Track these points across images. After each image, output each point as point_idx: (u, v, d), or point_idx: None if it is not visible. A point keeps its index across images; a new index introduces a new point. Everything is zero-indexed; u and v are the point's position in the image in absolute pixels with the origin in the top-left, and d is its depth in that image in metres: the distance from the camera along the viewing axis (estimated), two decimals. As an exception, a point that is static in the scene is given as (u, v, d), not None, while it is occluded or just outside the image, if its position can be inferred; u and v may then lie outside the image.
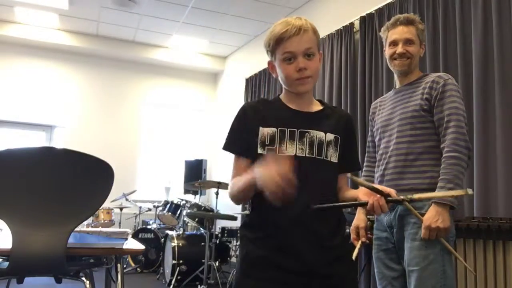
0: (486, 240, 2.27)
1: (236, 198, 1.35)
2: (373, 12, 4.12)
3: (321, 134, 1.34)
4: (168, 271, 4.69)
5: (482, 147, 2.94)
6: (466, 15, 3.20)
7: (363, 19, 4.24)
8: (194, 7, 5.66)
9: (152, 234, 5.56)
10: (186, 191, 6.54)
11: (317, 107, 1.42)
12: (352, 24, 4.46)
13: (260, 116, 1.35)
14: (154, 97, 7.49)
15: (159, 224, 5.95)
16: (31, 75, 6.75)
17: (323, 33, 4.90)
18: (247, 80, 6.62)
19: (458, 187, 1.68)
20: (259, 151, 1.32)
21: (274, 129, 1.32)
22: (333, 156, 1.35)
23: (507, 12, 2.92)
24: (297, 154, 1.30)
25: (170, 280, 4.49)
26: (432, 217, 1.67)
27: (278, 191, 1.10)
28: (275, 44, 1.33)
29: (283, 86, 1.39)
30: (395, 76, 2.04)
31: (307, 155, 1.31)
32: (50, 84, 6.85)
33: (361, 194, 1.26)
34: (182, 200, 5.45)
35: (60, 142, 6.72)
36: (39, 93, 6.76)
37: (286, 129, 1.32)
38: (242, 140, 1.36)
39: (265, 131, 1.32)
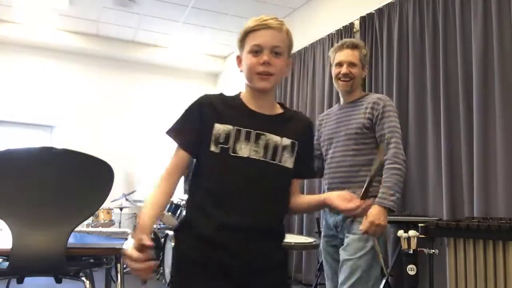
0: (486, 240, 2.27)
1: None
2: (373, 12, 4.12)
3: (277, 138, 1.30)
4: (168, 271, 4.69)
5: (482, 147, 2.94)
6: (466, 15, 3.20)
7: (363, 19, 4.24)
8: (194, 7, 5.66)
9: (152, 234, 5.54)
10: (186, 191, 6.53)
11: (277, 110, 1.38)
12: (352, 24, 4.46)
13: (216, 112, 1.30)
14: (154, 97, 7.48)
15: (159, 224, 5.95)
16: (31, 75, 6.75)
17: (323, 33, 4.90)
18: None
19: (397, 193, 1.95)
20: (212, 148, 1.26)
21: (230, 127, 1.27)
22: (287, 161, 1.31)
23: (507, 12, 2.92)
24: (250, 156, 1.26)
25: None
26: (375, 214, 1.90)
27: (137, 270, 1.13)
28: (245, 36, 1.31)
29: (246, 81, 1.35)
30: (340, 93, 2.27)
31: (261, 158, 1.27)
32: (50, 84, 6.84)
33: (334, 195, 1.28)
34: (182, 200, 5.45)
35: (60, 142, 6.71)
36: (39, 93, 6.75)
37: (242, 128, 1.27)
38: (190, 133, 1.30)
39: (220, 128, 1.27)
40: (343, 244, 2.05)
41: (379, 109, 2.08)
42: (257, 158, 1.27)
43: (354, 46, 2.17)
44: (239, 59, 1.37)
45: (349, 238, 2.01)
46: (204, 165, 1.29)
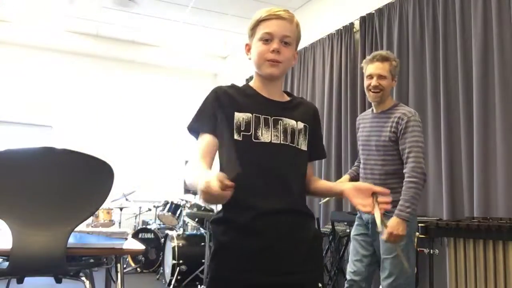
0: (486, 240, 2.27)
1: (190, 186, 1.26)
2: (373, 12, 4.11)
3: (293, 122, 1.35)
4: (168, 271, 4.69)
5: (482, 147, 2.94)
6: (466, 15, 3.20)
7: (363, 19, 4.24)
8: (194, 7, 5.66)
9: (152, 234, 5.56)
10: (186, 191, 6.53)
11: (285, 97, 1.43)
12: (352, 24, 4.46)
13: (234, 101, 1.34)
14: (153, 97, 7.48)
15: (159, 224, 5.95)
16: (31, 74, 6.75)
17: (323, 33, 4.90)
18: (247, 80, 6.63)
19: (413, 205, 2.20)
20: (235, 137, 1.29)
21: (249, 115, 1.31)
22: (303, 144, 1.37)
23: (507, 12, 2.92)
24: (272, 141, 1.30)
25: (170, 280, 4.49)
26: (394, 226, 2.16)
27: (210, 192, 1.01)
28: (257, 25, 1.35)
29: (255, 69, 1.38)
30: (372, 103, 2.47)
31: (281, 142, 1.31)
32: (50, 84, 6.84)
33: (351, 190, 1.29)
34: (182, 200, 5.45)
35: (59, 142, 6.71)
36: (38, 93, 6.76)
37: (260, 115, 1.32)
38: (212, 121, 1.32)
39: (240, 117, 1.31)
40: (369, 236, 2.37)
41: (402, 124, 2.28)
42: (278, 142, 1.31)
43: (384, 59, 2.36)
44: (248, 46, 1.41)
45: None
46: (229, 153, 1.30)
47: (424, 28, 3.55)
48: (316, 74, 4.98)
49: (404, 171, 2.25)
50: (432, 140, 3.37)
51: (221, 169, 1.27)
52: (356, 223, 2.49)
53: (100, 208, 5.03)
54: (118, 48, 6.96)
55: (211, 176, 1.02)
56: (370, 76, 2.38)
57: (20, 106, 6.63)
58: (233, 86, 1.40)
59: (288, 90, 5.51)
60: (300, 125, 1.37)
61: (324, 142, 1.61)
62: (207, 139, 1.31)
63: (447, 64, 3.31)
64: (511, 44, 2.89)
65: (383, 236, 2.18)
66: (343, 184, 1.38)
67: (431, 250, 2.69)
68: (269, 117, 1.33)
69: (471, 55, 3.11)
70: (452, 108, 3.25)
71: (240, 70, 6.75)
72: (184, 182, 1.31)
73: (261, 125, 1.31)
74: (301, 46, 5.27)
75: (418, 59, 3.59)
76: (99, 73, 7.15)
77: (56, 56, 6.88)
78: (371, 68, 2.38)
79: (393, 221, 2.17)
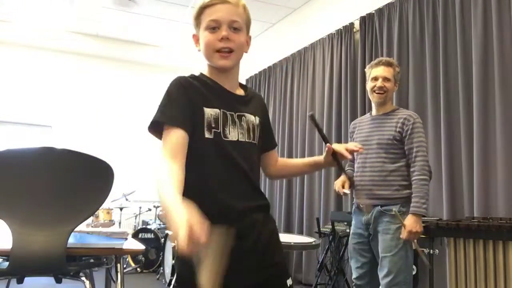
0: (486, 240, 2.27)
1: (161, 206, 1.20)
2: (373, 12, 4.12)
3: (252, 118, 1.30)
4: (168, 271, 4.69)
5: (482, 147, 2.94)
6: (466, 15, 3.20)
7: (363, 19, 4.24)
8: (194, 7, 5.65)
9: (152, 234, 5.56)
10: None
11: (239, 89, 1.35)
12: (352, 24, 4.46)
13: (202, 95, 1.23)
14: (153, 97, 7.47)
15: (159, 224, 5.95)
16: (30, 74, 6.74)
17: (323, 33, 4.90)
18: (247, 80, 6.63)
19: (427, 201, 2.29)
20: (206, 135, 1.20)
21: (217, 111, 1.23)
22: (258, 138, 1.32)
23: (507, 12, 2.92)
24: (239, 139, 1.25)
25: (170, 280, 4.49)
26: (412, 223, 2.23)
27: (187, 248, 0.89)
28: (201, 13, 1.26)
29: (206, 60, 1.29)
30: (373, 104, 2.55)
31: (246, 140, 1.27)
32: (50, 84, 6.84)
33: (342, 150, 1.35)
34: (182, 200, 5.44)
35: (60, 142, 6.71)
36: (38, 93, 6.75)
37: (227, 111, 1.24)
38: (183, 113, 1.18)
39: (209, 113, 1.22)
40: (370, 237, 2.41)
41: (409, 125, 2.37)
42: (243, 140, 1.26)
43: (388, 64, 2.48)
44: (195, 37, 1.31)
45: (383, 238, 2.33)
46: (200, 152, 1.21)
47: (424, 28, 3.55)
48: (316, 74, 4.98)
49: (412, 169, 2.34)
50: (432, 140, 3.37)
51: (188, 168, 1.16)
52: (352, 231, 2.55)
53: (100, 208, 5.03)
54: (118, 48, 6.96)
55: (190, 221, 0.88)
56: (375, 78, 2.47)
57: (20, 106, 6.63)
58: (195, 77, 1.29)
59: (288, 90, 5.52)
60: (257, 120, 1.32)
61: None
62: (178, 134, 1.16)
63: (447, 64, 3.31)
64: (511, 44, 2.89)
65: (402, 235, 2.25)
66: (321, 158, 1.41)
67: (431, 250, 2.69)
68: (233, 113, 1.26)
69: (471, 55, 3.11)
70: (452, 108, 3.25)
71: (240, 70, 6.74)
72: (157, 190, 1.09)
73: (228, 122, 1.24)
74: (301, 46, 5.30)
75: (418, 59, 3.59)
76: (99, 73, 7.14)
77: (56, 56, 6.88)
78: (376, 71, 2.48)
79: (410, 219, 2.24)
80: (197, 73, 1.31)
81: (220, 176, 1.22)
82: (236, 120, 1.26)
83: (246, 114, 1.28)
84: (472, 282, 2.31)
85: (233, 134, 1.24)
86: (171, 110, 1.19)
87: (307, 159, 1.49)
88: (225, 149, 1.22)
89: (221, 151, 1.22)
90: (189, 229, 0.87)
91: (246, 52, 1.31)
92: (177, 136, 1.16)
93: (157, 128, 1.20)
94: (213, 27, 1.22)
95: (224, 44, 1.22)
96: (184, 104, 1.20)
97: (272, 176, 1.50)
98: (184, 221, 0.88)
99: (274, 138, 1.48)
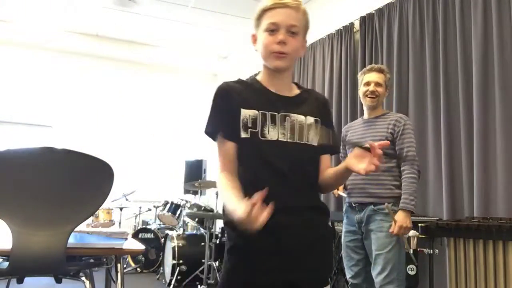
0: (486, 240, 2.27)
1: (224, 206, 1.27)
2: (373, 12, 4.11)
3: (301, 118, 1.32)
4: (168, 271, 4.69)
5: (482, 147, 2.94)
6: (466, 15, 3.20)
7: (363, 19, 4.24)
8: (194, 7, 5.66)
9: (152, 234, 5.56)
10: (186, 191, 6.54)
11: (295, 90, 1.39)
12: (352, 24, 4.46)
13: (241, 97, 1.30)
14: (153, 97, 7.49)
15: (159, 224, 5.95)
16: (31, 75, 6.75)
17: (323, 33, 4.90)
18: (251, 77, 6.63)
19: (415, 198, 2.44)
20: (243, 135, 1.27)
21: (255, 112, 1.28)
22: (314, 139, 1.33)
23: (507, 12, 2.92)
24: (279, 139, 1.28)
25: (170, 280, 4.49)
26: (402, 219, 2.36)
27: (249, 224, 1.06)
28: (262, 15, 1.31)
29: (263, 61, 1.35)
30: (364, 108, 2.68)
31: (288, 140, 1.29)
32: (50, 84, 6.84)
33: (351, 159, 1.25)
34: (182, 200, 5.45)
35: (59, 142, 6.72)
36: (38, 93, 6.76)
37: (267, 112, 1.29)
38: (227, 122, 1.29)
39: (247, 113, 1.28)
40: (362, 235, 2.50)
41: (400, 126, 2.51)
42: (285, 140, 1.28)
43: (380, 70, 2.62)
44: (254, 37, 1.37)
45: (377, 235, 2.41)
46: (238, 152, 1.29)
47: (424, 28, 3.55)
48: (316, 74, 4.98)
49: (402, 168, 2.48)
50: (432, 140, 3.37)
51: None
52: (344, 229, 2.62)
53: (100, 208, 5.03)
54: (118, 48, 6.96)
55: (242, 209, 1.05)
56: (368, 83, 2.60)
57: (20, 106, 6.63)
58: (240, 81, 1.37)
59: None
60: (310, 119, 1.33)
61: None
62: (226, 146, 1.29)
63: (447, 64, 3.31)
64: (511, 44, 2.88)
65: (391, 229, 2.35)
66: (345, 160, 1.32)
67: (431, 250, 2.69)
68: (276, 114, 1.29)
69: (471, 55, 3.11)
70: (452, 108, 3.25)
71: (240, 70, 6.75)
72: (223, 209, 1.30)
73: (267, 122, 1.28)
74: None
75: (418, 59, 3.59)
76: (99, 73, 7.15)
77: (56, 56, 6.88)
78: (368, 76, 2.61)
79: (401, 215, 2.36)
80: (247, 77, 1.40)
81: (252, 175, 1.26)
82: (278, 120, 1.29)
83: (292, 115, 1.31)
84: (472, 282, 2.31)
85: (273, 134, 1.28)
86: (214, 120, 1.32)
87: (341, 168, 1.36)
88: (260, 148, 1.26)
89: (256, 150, 1.26)
90: (249, 207, 1.03)
91: (301, 56, 1.40)
92: (225, 148, 1.30)
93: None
94: (272, 30, 1.28)
95: (280, 48, 1.28)
96: (225, 111, 1.30)
97: (319, 185, 1.40)
98: (244, 204, 1.05)
99: (332, 143, 1.41)
